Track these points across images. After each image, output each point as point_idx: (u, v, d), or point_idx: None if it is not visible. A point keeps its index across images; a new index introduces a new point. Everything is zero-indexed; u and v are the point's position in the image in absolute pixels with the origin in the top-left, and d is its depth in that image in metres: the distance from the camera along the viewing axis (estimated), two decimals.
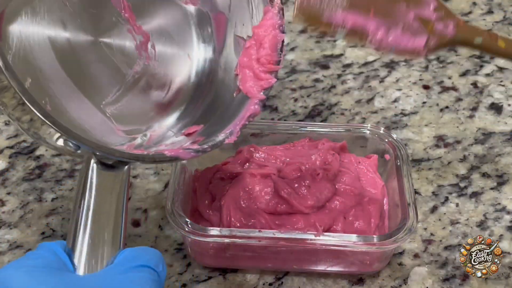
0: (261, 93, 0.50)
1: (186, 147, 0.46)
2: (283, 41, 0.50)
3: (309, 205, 0.53)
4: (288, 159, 0.58)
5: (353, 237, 0.50)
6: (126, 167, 0.42)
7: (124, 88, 0.50)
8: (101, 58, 0.48)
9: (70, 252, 0.38)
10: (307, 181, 0.55)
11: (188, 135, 0.50)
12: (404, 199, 0.53)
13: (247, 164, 0.58)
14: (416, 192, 0.61)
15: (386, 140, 0.59)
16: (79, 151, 0.40)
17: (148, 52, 0.51)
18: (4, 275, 0.35)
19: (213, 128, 0.49)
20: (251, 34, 0.51)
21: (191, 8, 0.54)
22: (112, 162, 0.41)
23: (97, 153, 0.40)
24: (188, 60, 0.54)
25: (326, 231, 0.52)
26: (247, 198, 0.54)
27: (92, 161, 0.40)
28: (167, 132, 0.51)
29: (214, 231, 0.51)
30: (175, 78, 0.53)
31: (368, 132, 0.60)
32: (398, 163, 0.56)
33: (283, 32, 0.50)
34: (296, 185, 0.54)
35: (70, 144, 0.39)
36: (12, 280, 0.35)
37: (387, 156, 0.59)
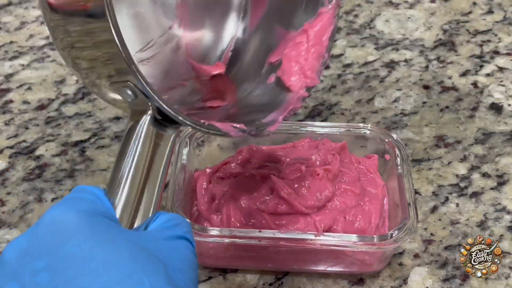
0: (304, 90, 0.50)
1: (235, 125, 0.45)
2: (331, 46, 0.50)
3: (309, 205, 0.53)
4: (288, 159, 0.58)
5: (353, 237, 0.50)
6: (176, 130, 0.41)
7: (157, 44, 0.50)
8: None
9: (110, 201, 0.37)
10: (307, 181, 0.55)
11: (211, 107, 0.49)
12: (404, 199, 0.53)
13: (247, 164, 0.58)
14: (416, 192, 0.61)
15: (386, 140, 0.59)
16: (134, 101, 0.39)
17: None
18: (53, 216, 0.34)
19: (248, 109, 0.49)
20: (297, 27, 0.50)
21: None
22: (165, 122, 0.40)
23: (158, 108, 0.38)
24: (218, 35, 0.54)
25: (326, 231, 0.52)
26: (247, 198, 0.54)
27: (147, 115, 0.39)
28: None
29: (214, 231, 0.51)
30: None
31: (368, 132, 0.60)
32: (398, 163, 0.56)
33: (334, 36, 0.50)
34: (296, 185, 0.54)
35: (129, 92, 0.38)
36: (64, 223, 0.34)
37: (387, 156, 0.59)
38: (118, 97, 0.40)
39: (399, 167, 0.56)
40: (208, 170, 0.58)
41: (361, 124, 0.61)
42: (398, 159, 0.57)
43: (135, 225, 0.38)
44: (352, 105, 0.71)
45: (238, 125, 0.45)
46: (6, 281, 0.32)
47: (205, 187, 0.57)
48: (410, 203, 0.52)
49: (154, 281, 0.32)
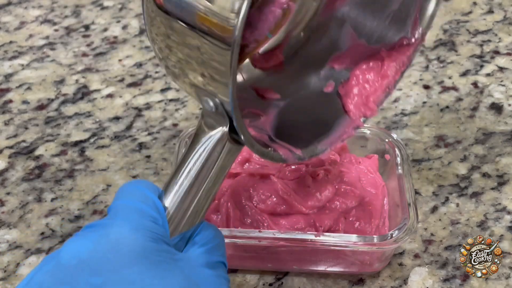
0: (361, 119, 0.48)
1: (293, 151, 0.44)
2: (399, 81, 0.48)
3: (309, 205, 0.53)
4: None
5: (353, 237, 0.50)
6: (240, 147, 0.40)
7: None
8: None
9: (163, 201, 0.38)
10: (307, 182, 0.55)
11: (263, 97, 0.47)
12: (404, 199, 0.53)
13: (247, 164, 0.58)
14: (416, 192, 0.61)
15: (386, 140, 0.59)
16: (210, 111, 0.39)
17: None
18: (120, 235, 0.34)
19: (300, 116, 0.46)
20: (371, 41, 0.47)
21: None
22: (234, 141, 0.40)
23: (236, 127, 0.37)
24: None
25: (326, 231, 0.52)
26: (247, 198, 0.54)
27: (220, 131, 0.39)
28: None
29: None
30: None
31: (368, 132, 0.60)
32: (398, 163, 0.56)
33: (405, 71, 0.48)
34: (296, 185, 0.54)
35: (211, 104, 0.38)
36: (129, 245, 0.34)
37: (387, 156, 0.58)
38: (194, 94, 0.40)
39: (399, 167, 0.56)
40: None
41: None
42: (398, 159, 0.57)
43: (180, 230, 0.38)
44: None
45: (296, 151, 0.44)
46: (60, 283, 0.32)
47: None
48: (410, 203, 0.52)
49: None
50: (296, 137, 0.45)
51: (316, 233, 0.50)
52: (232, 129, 0.39)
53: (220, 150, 0.39)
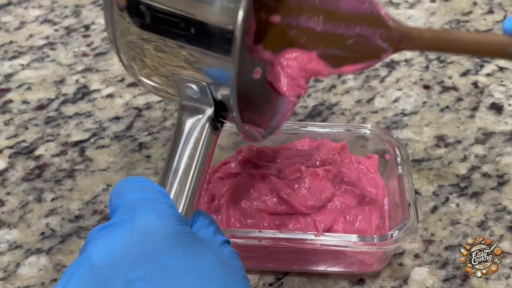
0: (295, 97, 0.49)
1: (258, 130, 0.47)
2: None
3: (309, 205, 0.53)
4: (288, 159, 0.58)
5: (353, 237, 0.50)
6: (220, 128, 0.43)
7: None
8: None
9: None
10: (307, 182, 0.55)
11: None
12: (404, 199, 0.53)
13: (247, 164, 0.58)
14: (416, 192, 0.61)
15: (386, 140, 0.59)
16: (193, 97, 0.41)
17: None
18: (148, 224, 0.34)
19: (246, 106, 0.48)
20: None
21: None
22: (218, 123, 0.42)
23: (231, 103, 0.40)
24: None
25: (326, 231, 0.52)
26: (247, 198, 0.54)
27: (205, 115, 0.42)
28: None
29: None
30: None
31: (368, 132, 0.60)
32: (399, 163, 0.56)
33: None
34: (296, 185, 0.54)
35: (195, 89, 0.41)
36: (160, 233, 0.34)
37: (387, 156, 0.58)
38: (165, 87, 0.42)
39: (399, 167, 0.56)
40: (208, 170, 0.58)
41: (361, 124, 0.61)
42: (398, 159, 0.57)
43: (187, 215, 0.40)
44: (352, 105, 0.71)
45: (259, 130, 0.47)
46: (99, 286, 0.32)
47: (204, 187, 0.57)
48: (410, 203, 0.52)
49: None
50: (256, 118, 0.48)
51: (316, 233, 0.50)
52: (216, 110, 0.41)
53: (207, 132, 0.42)
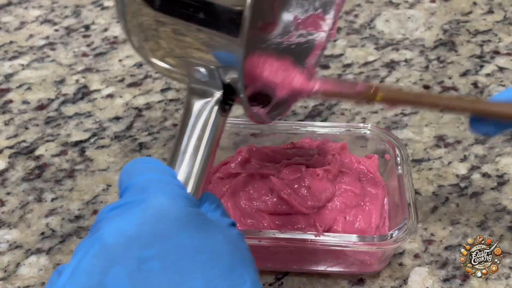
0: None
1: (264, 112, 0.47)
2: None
3: (309, 205, 0.53)
4: (288, 159, 0.58)
5: (353, 237, 0.50)
6: (229, 110, 0.43)
7: None
8: None
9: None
10: (307, 182, 0.54)
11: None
12: (404, 199, 0.53)
13: (247, 164, 0.58)
14: (416, 192, 0.61)
15: (386, 140, 0.59)
16: (202, 80, 0.42)
17: None
18: (160, 205, 0.35)
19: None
20: None
21: None
22: (227, 105, 0.43)
23: (239, 85, 0.40)
24: None
25: (326, 231, 0.52)
26: (247, 198, 0.54)
27: (213, 98, 0.42)
28: None
29: None
30: None
31: (368, 132, 0.60)
32: (398, 163, 0.56)
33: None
34: (296, 185, 0.54)
35: (204, 73, 0.41)
36: (172, 214, 0.34)
37: (387, 156, 0.58)
38: (176, 69, 0.43)
39: (399, 167, 0.56)
40: None
41: (361, 124, 0.61)
42: (398, 159, 0.57)
43: (196, 196, 0.40)
44: (352, 105, 0.71)
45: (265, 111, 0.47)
46: (111, 265, 0.32)
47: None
48: (410, 203, 0.52)
49: (249, 272, 0.34)
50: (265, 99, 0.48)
51: (316, 233, 0.50)
52: (225, 93, 0.42)
53: (215, 114, 0.42)
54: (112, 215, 0.35)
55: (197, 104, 0.42)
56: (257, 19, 0.49)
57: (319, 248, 0.51)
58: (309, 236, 0.50)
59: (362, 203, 0.55)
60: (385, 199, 0.56)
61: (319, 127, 0.61)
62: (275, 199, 0.54)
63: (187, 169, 0.40)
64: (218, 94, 0.42)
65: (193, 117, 0.42)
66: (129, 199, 0.36)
